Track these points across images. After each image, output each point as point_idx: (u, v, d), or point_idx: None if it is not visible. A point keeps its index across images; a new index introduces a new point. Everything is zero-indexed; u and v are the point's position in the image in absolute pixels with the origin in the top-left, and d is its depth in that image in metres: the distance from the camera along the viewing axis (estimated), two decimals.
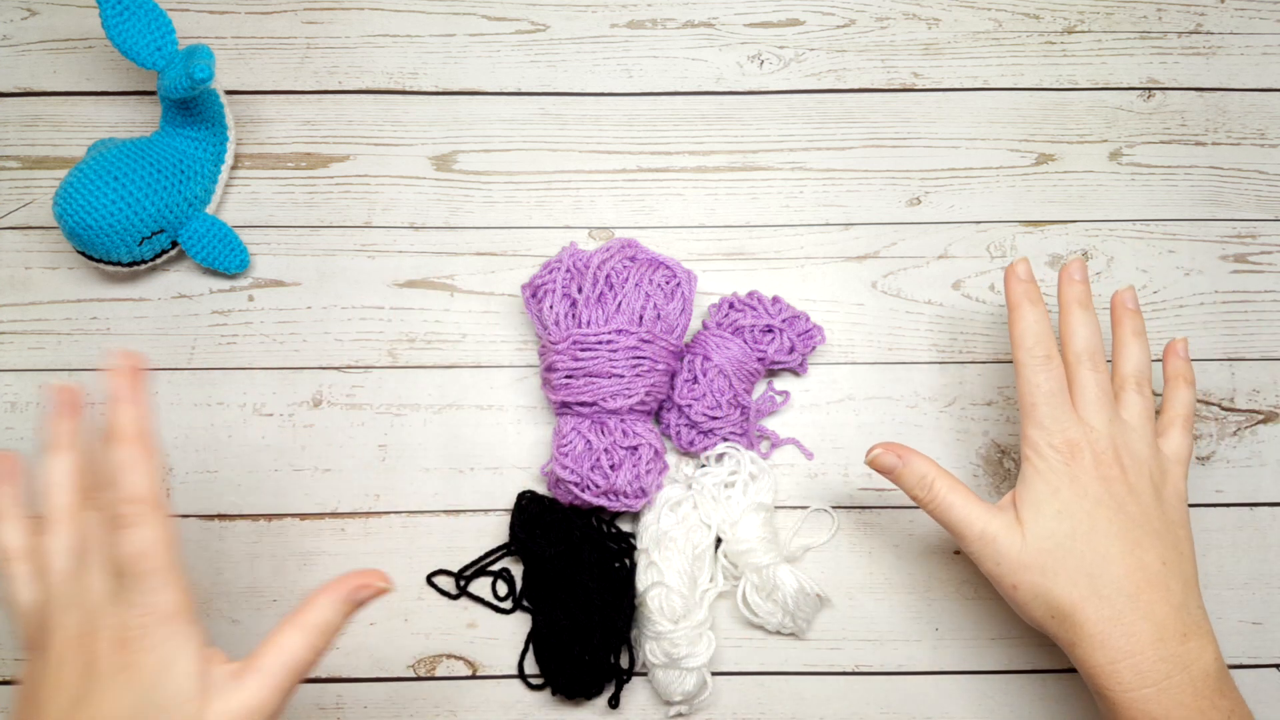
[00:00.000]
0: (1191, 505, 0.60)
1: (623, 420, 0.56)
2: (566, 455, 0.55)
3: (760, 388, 0.61)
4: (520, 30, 0.65)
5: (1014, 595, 0.49)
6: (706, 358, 0.58)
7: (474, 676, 0.58)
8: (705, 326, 0.60)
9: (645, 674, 0.57)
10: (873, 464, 0.51)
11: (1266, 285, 0.63)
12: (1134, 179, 0.64)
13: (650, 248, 0.59)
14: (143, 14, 0.57)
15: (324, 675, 0.57)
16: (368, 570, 0.44)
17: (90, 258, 0.59)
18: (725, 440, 0.58)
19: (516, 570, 0.58)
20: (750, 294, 0.60)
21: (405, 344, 0.61)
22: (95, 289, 0.61)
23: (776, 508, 0.59)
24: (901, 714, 0.58)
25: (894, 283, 0.63)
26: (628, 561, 0.57)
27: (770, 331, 0.59)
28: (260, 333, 0.61)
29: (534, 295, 0.58)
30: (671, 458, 0.59)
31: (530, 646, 0.57)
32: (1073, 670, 0.57)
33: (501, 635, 0.58)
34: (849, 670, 0.58)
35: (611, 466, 0.55)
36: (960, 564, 0.59)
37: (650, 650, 0.55)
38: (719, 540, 0.57)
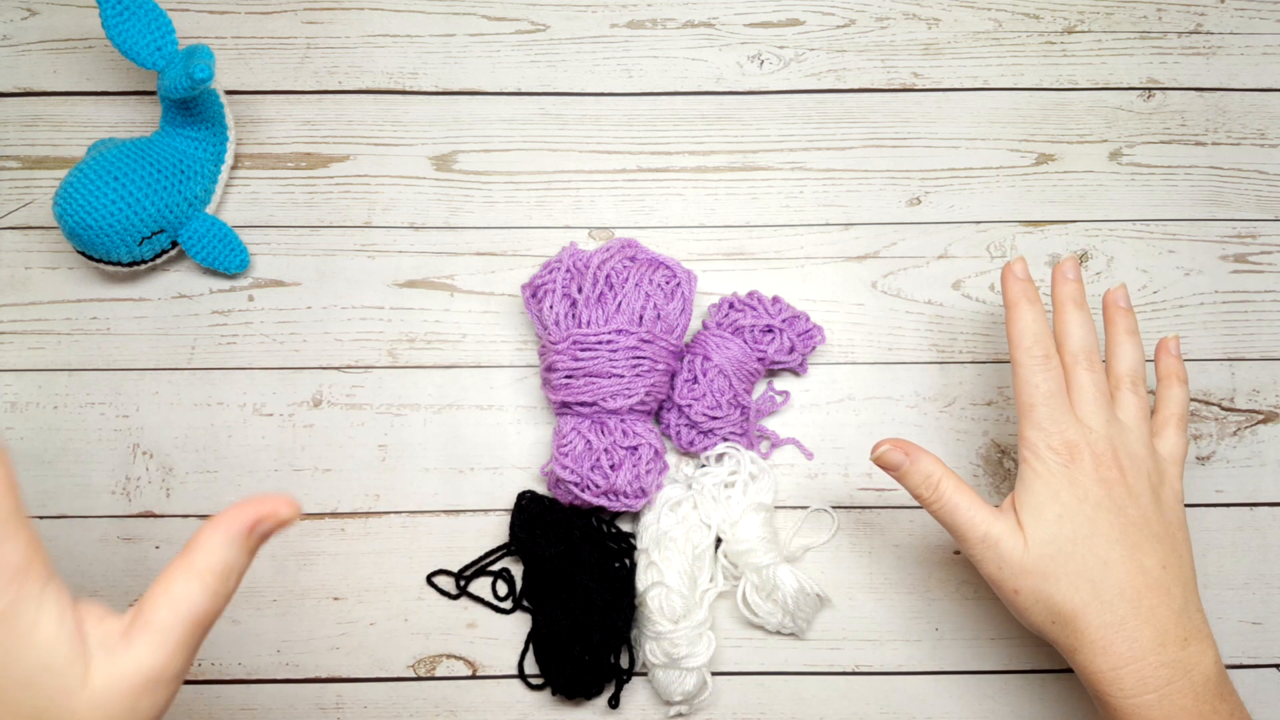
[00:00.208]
0: (1191, 505, 0.60)
1: (623, 420, 0.56)
2: (566, 455, 0.55)
3: (760, 388, 0.61)
4: (520, 30, 0.65)
5: (1015, 600, 0.49)
6: (706, 358, 0.58)
7: (474, 676, 0.58)
8: (705, 326, 0.60)
9: (645, 674, 0.57)
10: (879, 460, 0.51)
11: (1266, 285, 0.63)
12: (1134, 179, 0.64)
13: (650, 248, 0.59)
14: (143, 14, 0.57)
15: (324, 675, 0.57)
16: (269, 496, 0.37)
17: (90, 258, 0.59)
18: (725, 440, 0.58)
19: (516, 570, 0.58)
20: (750, 294, 0.60)
21: (405, 344, 0.61)
22: (95, 289, 0.61)
23: (776, 508, 0.59)
24: (901, 714, 0.58)
25: (894, 283, 0.63)
26: (628, 561, 0.57)
27: (770, 331, 0.59)
28: (260, 333, 0.61)
29: (534, 295, 0.58)
30: (671, 458, 0.59)
31: (530, 646, 0.57)
32: (1072, 670, 0.57)
33: (501, 635, 0.58)
34: (849, 670, 0.58)
35: (611, 466, 0.55)
36: (960, 564, 0.59)
37: (650, 650, 0.55)
38: (719, 540, 0.57)
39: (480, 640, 0.58)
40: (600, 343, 0.55)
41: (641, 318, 0.56)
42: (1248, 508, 0.61)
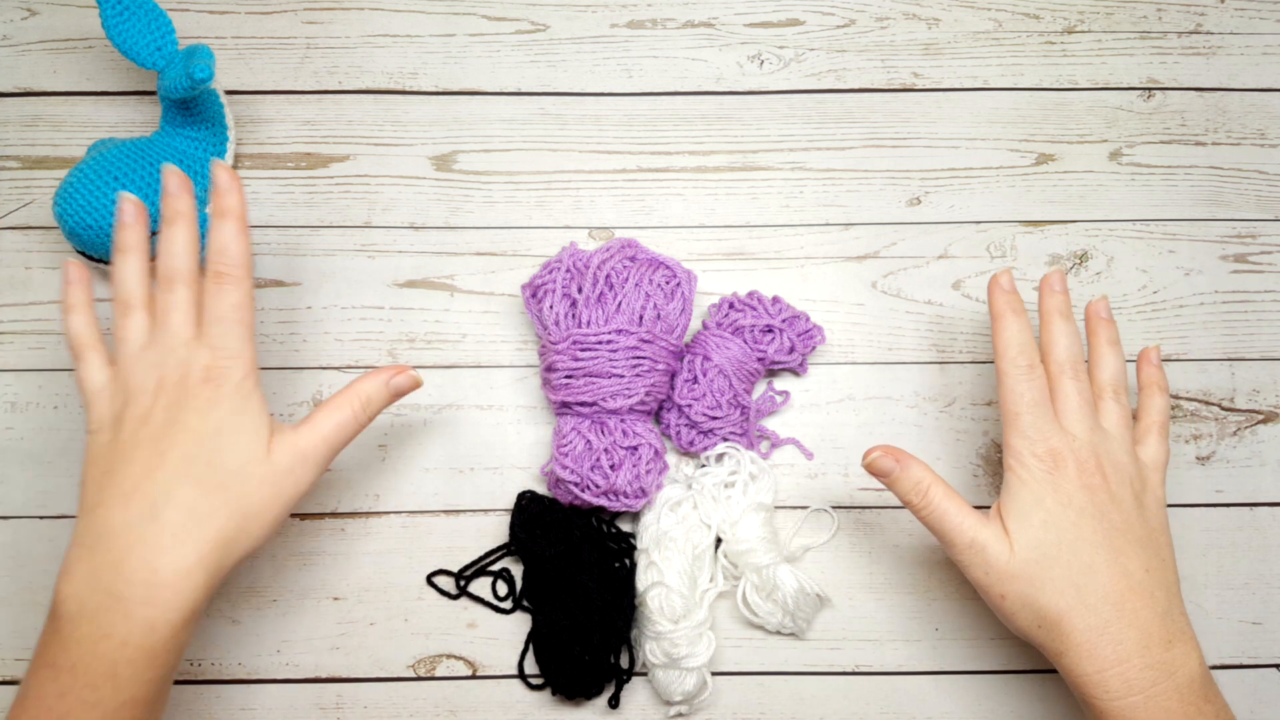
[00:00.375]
0: (1191, 505, 0.60)
1: (623, 420, 0.56)
2: (566, 455, 0.55)
3: (760, 388, 0.61)
4: (520, 30, 0.65)
5: (1001, 605, 0.49)
6: (706, 358, 0.58)
7: (474, 676, 0.58)
8: (705, 326, 0.60)
9: (645, 674, 0.57)
10: (870, 467, 0.52)
11: (1266, 285, 0.63)
12: (1134, 179, 0.64)
13: (650, 248, 0.59)
14: (143, 14, 0.57)
15: (324, 675, 0.57)
16: (402, 366, 0.53)
17: (90, 258, 0.59)
18: (725, 440, 0.58)
19: (516, 570, 0.58)
20: (750, 294, 0.60)
21: (405, 344, 0.61)
22: (95, 289, 0.61)
23: (776, 508, 0.59)
24: (901, 714, 0.58)
25: (894, 283, 0.63)
26: (628, 561, 0.57)
27: (770, 331, 0.59)
28: (260, 333, 0.61)
29: (534, 295, 0.58)
30: (671, 458, 0.59)
31: (530, 646, 0.57)
32: None
33: (501, 635, 0.58)
34: (849, 670, 0.58)
35: (611, 466, 0.55)
36: None
37: (650, 650, 0.55)
38: (719, 540, 0.57)
39: (480, 640, 0.58)
40: (600, 343, 0.55)
41: (641, 318, 0.56)
42: (1248, 508, 0.61)
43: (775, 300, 0.60)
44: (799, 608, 0.56)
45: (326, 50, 0.65)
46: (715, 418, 0.57)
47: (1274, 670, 0.59)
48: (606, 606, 0.55)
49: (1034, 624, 0.48)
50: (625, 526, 0.58)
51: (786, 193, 0.64)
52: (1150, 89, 0.66)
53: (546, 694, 0.57)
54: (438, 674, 0.58)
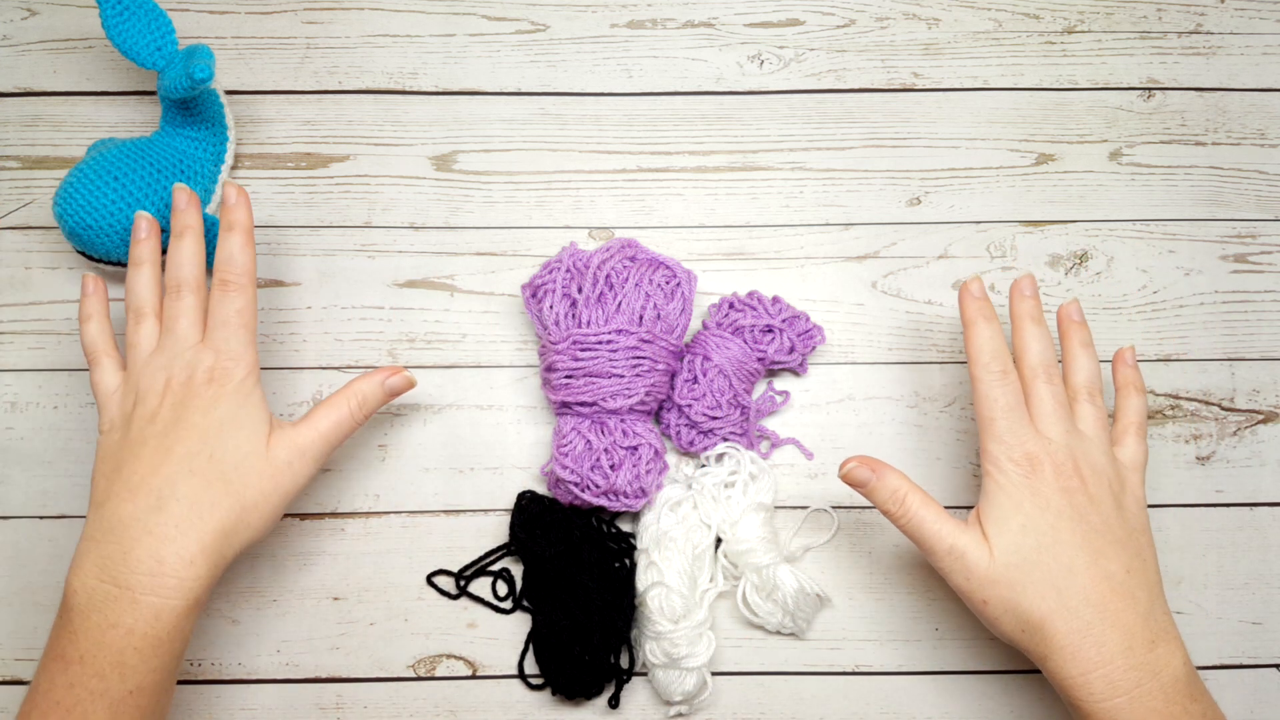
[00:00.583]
0: (1191, 505, 0.60)
1: (623, 420, 0.56)
2: (566, 455, 0.55)
3: (760, 388, 0.61)
4: (520, 30, 0.65)
5: (984, 610, 0.49)
6: (706, 358, 0.58)
7: (474, 676, 0.58)
8: (705, 326, 0.60)
9: (645, 674, 0.57)
10: (846, 478, 0.52)
11: (1266, 285, 0.63)
12: (1134, 179, 0.64)
13: (650, 248, 0.59)
14: (143, 14, 0.57)
15: (324, 675, 0.57)
16: (397, 367, 0.55)
17: (90, 258, 0.59)
18: (725, 440, 0.58)
19: (516, 570, 0.58)
20: (750, 294, 0.60)
21: (405, 344, 0.61)
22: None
23: (776, 508, 0.59)
24: (901, 714, 0.58)
25: (894, 283, 0.63)
26: (628, 561, 0.57)
27: (770, 331, 0.59)
28: (260, 333, 0.61)
29: (534, 295, 0.58)
30: (671, 458, 0.59)
31: (530, 646, 0.57)
32: None
33: (501, 635, 0.58)
34: (849, 670, 0.58)
35: (611, 466, 0.55)
36: None
37: (650, 650, 0.55)
38: (719, 540, 0.57)
39: (480, 640, 0.58)
40: (600, 343, 0.55)
41: (641, 318, 0.56)
42: (1248, 508, 0.61)
43: (775, 300, 0.60)
44: (799, 608, 0.56)
45: (326, 50, 0.65)
46: (715, 418, 0.57)
47: (1274, 670, 0.59)
48: (606, 606, 0.55)
49: (1017, 628, 0.48)
50: (625, 526, 0.58)
51: (786, 193, 0.64)
52: (1150, 89, 0.66)
53: (546, 694, 0.57)
54: (438, 674, 0.58)
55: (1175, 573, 0.59)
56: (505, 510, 0.59)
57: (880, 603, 0.59)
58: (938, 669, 0.58)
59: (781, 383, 0.61)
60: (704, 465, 0.58)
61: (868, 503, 0.59)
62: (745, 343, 0.58)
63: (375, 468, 0.60)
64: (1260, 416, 0.62)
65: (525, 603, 0.58)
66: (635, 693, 0.57)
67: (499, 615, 0.58)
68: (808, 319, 0.60)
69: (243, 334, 0.52)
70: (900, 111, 0.65)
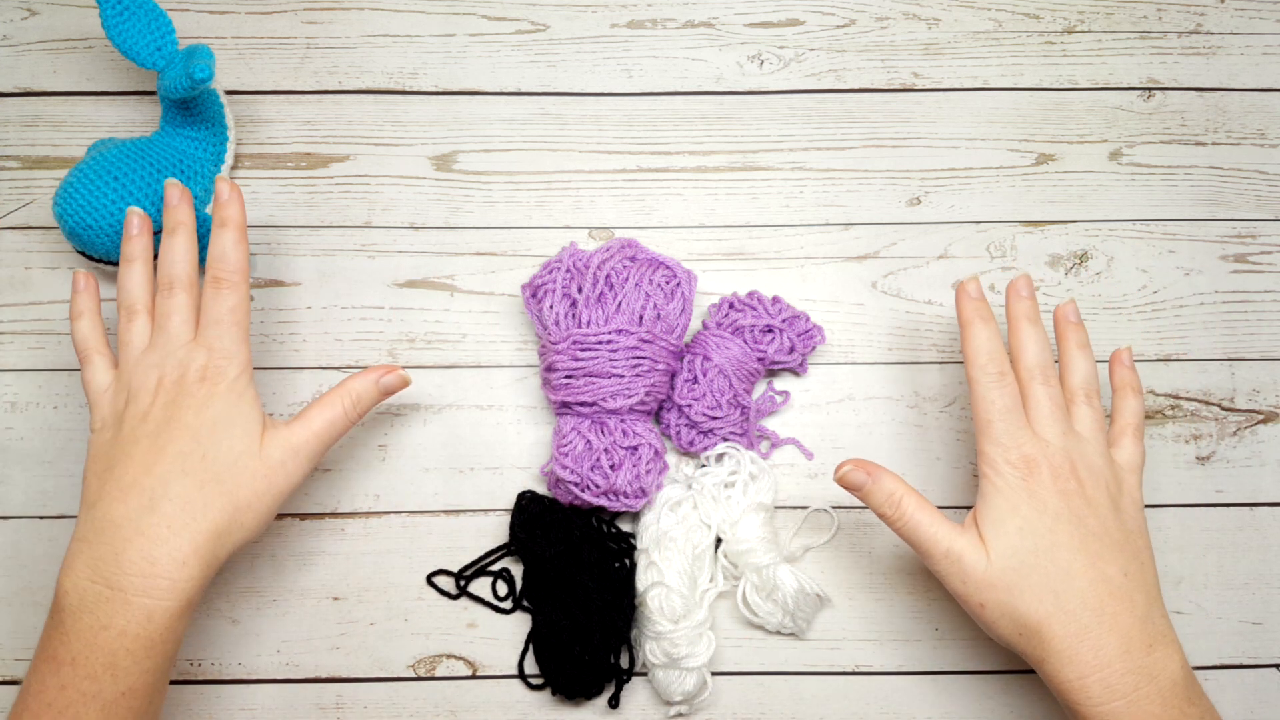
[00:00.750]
0: (1191, 505, 0.60)
1: (623, 420, 0.56)
2: (566, 455, 0.55)
3: (760, 388, 0.61)
4: (520, 30, 0.65)
5: (981, 614, 0.49)
6: (706, 358, 0.58)
7: (474, 676, 0.58)
8: (705, 326, 0.60)
9: (645, 674, 0.57)
10: (841, 481, 0.52)
11: (1266, 285, 0.63)
12: (1134, 179, 0.64)
13: (650, 248, 0.59)
14: (143, 14, 0.57)
15: (324, 675, 0.57)
16: (391, 365, 0.55)
17: (90, 258, 0.59)
18: (725, 440, 0.58)
19: (516, 570, 0.58)
20: (750, 294, 0.60)
21: (405, 344, 0.61)
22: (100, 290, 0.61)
23: (776, 508, 0.59)
24: (901, 714, 0.58)
25: (894, 283, 0.63)
26: (628, 561, 0.57)
27: (770, 331, 0.59)
28: (260, 333, 0.61)
29: (534, 295, 0.58)
30: (671, 458, 0.59)
31: (530, 646, 0.57)
32: None
33: (501, 635, 0.58)
34: (849, 670, 0.58)
35: (611, 466, 0.55)
36: None
37: (650, 650, 0.55)
38: (719, 540, 0.57)
39: (480, 640, 0.58)
40: (600, 343, 0.55)
41: (641, 318, 0.56)
42: (1248, 508, 0.61)
43: (775, 300, 0.60)
44: (799, 608, 0.56)
45: (326, 50, 0.65)
46: (715, 418, 0.57)
47: (1274, 670, 0.59)
48: (606, 606, 0.55)
49: (1014, 632, 0.48)
50: (625, 526, 0.58)
51: (786, 193, 0.64)
52: (1150, 89, 0.66)
53: (546, 694, 0.57)
54: (438, 674, 0.58)
55: (1175, 573, 0.59)
56: (505, 510, 0.59)
57: (880, 603, 0.59)
58: (937, 669, 0.58)
59: (781, 383, 0.61)
60: (704, 465, 0.58)
61: None
62: (745, 343, 0.58)
63: (375, 468, 0.60)
64: (1260, 416, 0.62)
65: (525, 603, 0.58)
66: (635, 693, 0.57)
67: (499, 615, 0.58)
68: (808, 319, 0.60)
69: (235, 332, 0.51)
70: (900, 111, 0.65)
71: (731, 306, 0.60)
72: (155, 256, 0.59)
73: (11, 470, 0.59)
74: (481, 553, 0.59)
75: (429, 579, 0.59)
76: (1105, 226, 0.64)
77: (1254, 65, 0.66)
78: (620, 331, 0.55)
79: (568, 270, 0.57)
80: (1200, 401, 0.62)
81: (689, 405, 0.57)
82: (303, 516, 0.59)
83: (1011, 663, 0.58)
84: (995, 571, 0.48)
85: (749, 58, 0.65)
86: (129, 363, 0.52)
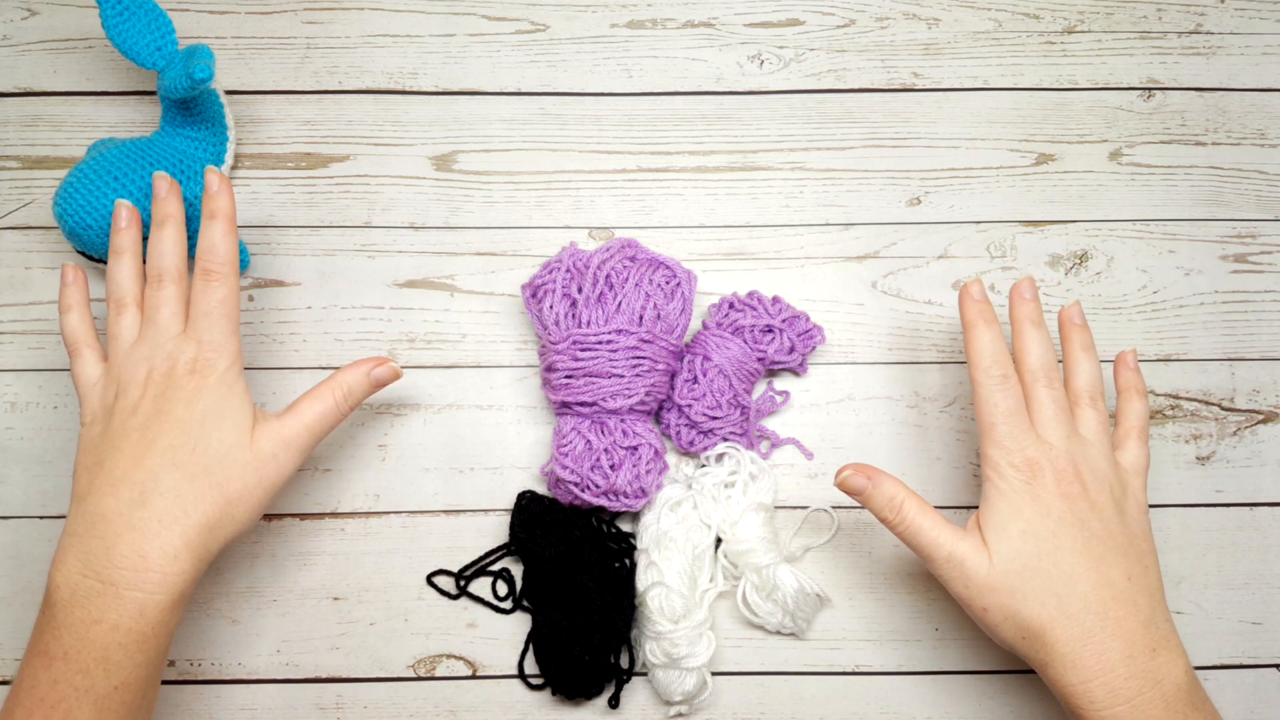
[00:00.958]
0: (1191, 505, 0.60)
1: (623, 420, 0.56)
2: (566, 455, 0.55)
3: (760, 388, 0.61)
4: (520, 30, 0.65)
5: (984, 618, 0.49)
6: (706, 358, 0.58)
7: (474, 676, 0.58)
8: (705, 326, 0.60)
9: (645, 674, 0.57)
10: (842, 485, 0.51)
11: (1266, 285, 0.63)
12: (1134, 179, 0.64)
13: (650, 248, 0.59)
14: (143, 14, 0.57)
15: (324, 675, 0.57)
16: (382, 358, 0.55)
17: (90, 258, 0.59)
18: (725, 440, 0.58)
19: (516, 570, 0.58)
20: (750, 294, 0.60)
21: (405, 344, 0.61)
22: (95, 289, 0.61)
23: (776, 508, 0.59)
24: (901, 714, 0.58)
25: (894, 283, 0.63)
26: (628, 561, 0.57)
27: (770, 331, 0.59)
28: (260, 333, 0.61)
29: (534, 295, 0.58)
30: (671, 458, 0.59)
31: (530, 646, 0.57)
32: None
33: (501, 635, 0.58)
34: (849, 670, 0.58)
35: (611, 466, 0.55)
36: None
37: (650, 650, 0.55)
38: (719, 540, 0.57)
39: (480, 640, 0.58)
40: (600, 343, 0.55)
41: (641, 318, 0.56)
42: (1248, 508, 0.61)
43: (775, 300, 0.60)
44: (799, 608, 0.56)
45: (326, 50, 0.65)
46: (715, 418, 0.57)
47: (1274, 670, 0.59)
48: (606, 606, 0.55)
49: (1017, 636, 0.48)
50: (625, 526, 0.58)
51: (786, 193, 0.64)
52: (1150, 89, 0.66)
53: (546, 694, 0.57)
54: (438, 674, 0.58)
55: (1175, 573, 0.59)
56: (505, 510, 0.59)
57: (880, 603, 0.59)
58: (937, 669, 0.58)
59: (781, 383, 0.61)
60: (704, 465, 0.58)
61: None
62: (745, 343, 0.58)
63: (375, 468, 0.60)
64: (1260, 416, 0.62)
65: (525, 603, 0.58)
66: (635, 693, 0.57)
67: (499, 615, 0.58)
68: (808, 319, 0.60)
69: (225, 324, 0.51)
70: (900, 111, 0.65)
71: (731, 306, 0.60)
72: (145, 261, 0.59)
73: (11, 470, 0.59)
74: (481, 553, 0.59)
75: (429, 579, 0.59)
76: (1105, 226, 0.64)
77: (1254, 65, 0.66)
78: (620, 331, 0.55)
79: (568, 270, 0.57)
80: (1200, 401, 0.62)
81: (689, 405, 0.57)
82: (303, 516, 0.59)
83: (1011, 663, 0.58)
84: (998, 575, 0.48)
85: (749, 58, 0.65)
86: (118, 356, 0.52)
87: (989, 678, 0.58)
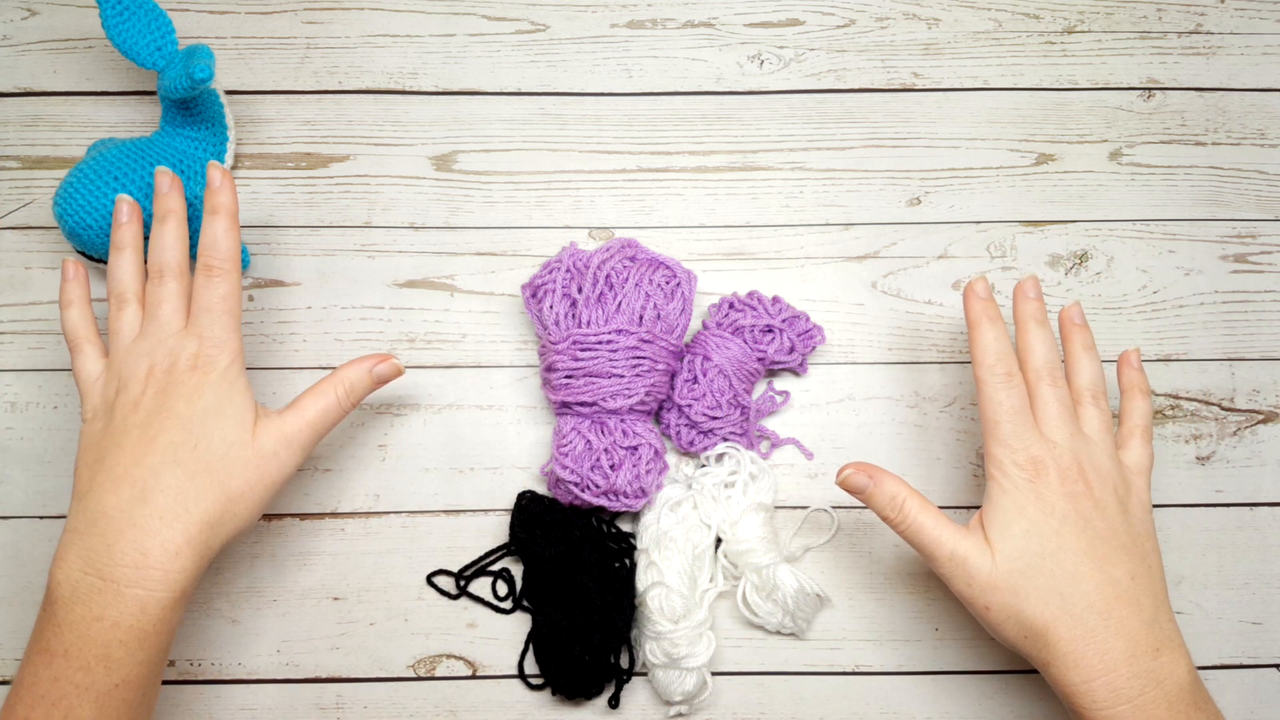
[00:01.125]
0: (1191, 505, 0.60)
1: (623, 420, 0.56)
2: (566, 455, 0.55)
3: (760, 388, 0.61)
4: (520, 30, 0.65)
5: (986, 616, 0.49)
6: (706, 358, 0.58)
7: (474, 676, 0.58)
8: (705, 326, 0.60)
9: (645, 674, 0.57)
10: (844, 484, 0.51)
11: (1266, 285, 0.63)
12: (1134, 179, 0.64)
13: (650, 248, 0.59)
14: (143, 14, 0.57)
15: (324, 675, 0.57)
16: (385, 354, 0.55)
17: (90, 258, 0.59)
18: (725, 440, 0.58)
19: (516, 570, 0.59)
20: (750, 294, 0.60)
21: (405, 344, 0.61)
22: (95, 289, 0.61)
23: (776, 508, 0.59)
24: (901, 714, 0.58)
25: (894, 283, 0.63)
26: (628, 561, 0.57)
27: (770, 331, 0.59)
28: (260, 333, 0.61)
29: (534, 295, 0.58)
30: (671, 458, 0.59)
31: (530, 646, 0.57)
32: None
33: (501, 635, 0.58)
34: (849, 670, 0.58)
35: (611, 466, 0.55)
36: None
37: (650, 650, 0.55)
38: (719, 540, 0.57)
39: (480, 640, 0.58)
40: (600, 343, 0.55)
41: (641, 318, 0.56)
42: (1248, 508, 0.61)
43: (775, 300, 0.60)
44: (799, 608, 0.56)
45: (326, 50, 0.65)
46: (715, 418, 0.57)
47: (1274, 670, 0.59)
48: (606, 606, 0.55)
49: (1020, 635, 0.48)
50: (625, 526, 0.58)
51: (786, 193, 0.64)
52: (1150, 89, 0.66)
53: (546, 694, 0.57)
54: (438, 674, 0.58)
55: (1175, 573, 0.59)
56: (505, 510, 0.59)
57: (880, 603, 0.59)
58: (937, 669, 0.58)
59: (781, 383, 0.61)
60: (704, 465, 0.58)
61: None
62: (745, 343, 0.58)
63: (375, 468, 0.60)
64: (1260, 416, 0.62)
65: (525, 603, 0.58)
66: (635, 693, 0.57)
67: (499, 615, 0.58)
68: (808, 319, 0.60)
69: (227, 320, 0.51)
70: (900, 111, 0.65)
71: (731, 306, 0.60)
72: (145, 261, 0.59)
73: (11, 470, 0.59)
74: (481, 553, 0.59)
75: (429, 579, 0.59)
76: (1105, 226, 0.64)
77: (1254, 65, 0.66)
78: (620, 331, 0.55)
79: (568, 270, 0.57)
80: (1200, 401, 0.62)
81: (689, 405, 0.57)
82: (303, 516, 0.59)
83: (1011, 663, 0.58)
84: (1001, 574, 0.48)
85: (749, 58, 0.65)
86: (119, 351, 0.51)
87: (989, 678, 0.58)
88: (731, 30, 0.66)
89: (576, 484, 0.55)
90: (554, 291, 0.56)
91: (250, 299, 0.61)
